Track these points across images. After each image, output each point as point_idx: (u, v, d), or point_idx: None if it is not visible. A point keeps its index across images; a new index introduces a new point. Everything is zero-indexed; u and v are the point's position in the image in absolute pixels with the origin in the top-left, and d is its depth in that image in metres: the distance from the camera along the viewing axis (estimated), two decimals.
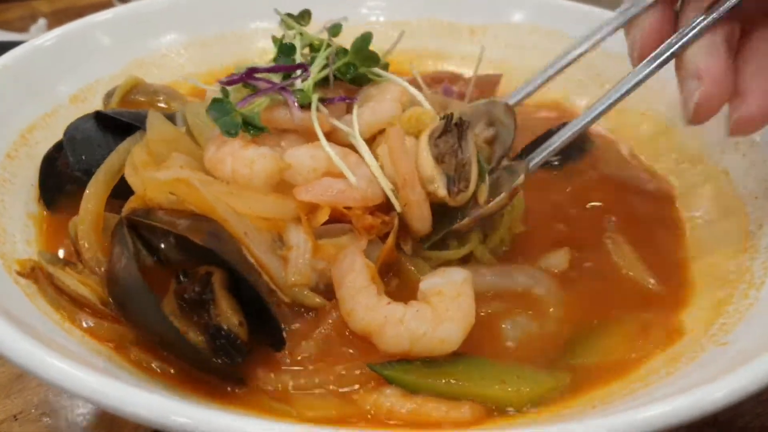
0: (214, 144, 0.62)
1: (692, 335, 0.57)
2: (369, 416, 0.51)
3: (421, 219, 0.60)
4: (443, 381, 0.53)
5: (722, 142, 0.77)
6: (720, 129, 0.76)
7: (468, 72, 0.92)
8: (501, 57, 0.96)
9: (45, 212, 0.68)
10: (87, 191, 0.63)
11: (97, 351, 0.53)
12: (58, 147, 0.70)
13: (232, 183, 0.60)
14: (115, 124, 0.70)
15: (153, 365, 0.53)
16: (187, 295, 0.53)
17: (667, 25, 0.62)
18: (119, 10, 0.88)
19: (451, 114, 0.63)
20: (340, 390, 0.53)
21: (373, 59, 0.69)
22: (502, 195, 0.62)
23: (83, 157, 0.68)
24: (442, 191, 0.60)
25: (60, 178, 0.69)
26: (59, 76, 0.79)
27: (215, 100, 0.62)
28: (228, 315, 0.53)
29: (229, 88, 0.66)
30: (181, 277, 0.55)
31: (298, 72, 0.65)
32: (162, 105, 0.82)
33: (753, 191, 0.70)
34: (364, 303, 0.55)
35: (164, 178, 0.58)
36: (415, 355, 0.54)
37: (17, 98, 0.73)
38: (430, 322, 0.54)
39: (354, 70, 0.68)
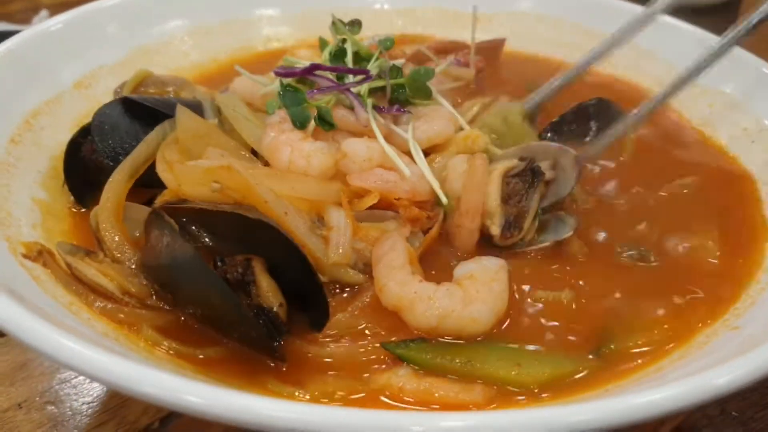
0: (273, 130, 0.65)
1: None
2: (380, 396, 0.51)
3: (466, 245, 0.63)
4: (457, 361, 0.53)
5: (730, 126, 0.76)
6: None
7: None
8: (509, 44, 0.95)
9: (72, 207, 0.68)
10: (110, 180, 0.63)
11: (105, 333, 0.52)
12: (84, 133, 0.69)
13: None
14: (142, 111, 0.69)
15: (164, 344, 0.53)
16: (229, 275, 0.54)
17: None
18: None
19: (533, 160, 0.64)
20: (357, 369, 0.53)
21: (426, 94, 0.73)
22: (545, 244, 0.63)
23: (110, 143, 0.67)
24: (496, 230, 0.62)
25: (86, 168, 0.68)
26: (63, 61, 0.78)
27: (288, 88, 0.65)
28: (269, 296, 0.54)
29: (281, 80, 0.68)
30: (219, 263, 0.55)
31: (356, 77, 0.69)
32: (178, 96, 0.81)
33: (764, 178, 0.70)
34: (399, 278, 0.55)
35: (208, 165, 0.59)
36: (441, 333, 0.55)
37: (21, 83, 0.72)
38: (460, 302, 0.55)
39: (404, 94, 0.72)
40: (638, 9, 0.90)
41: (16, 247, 0.57)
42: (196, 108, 0.70)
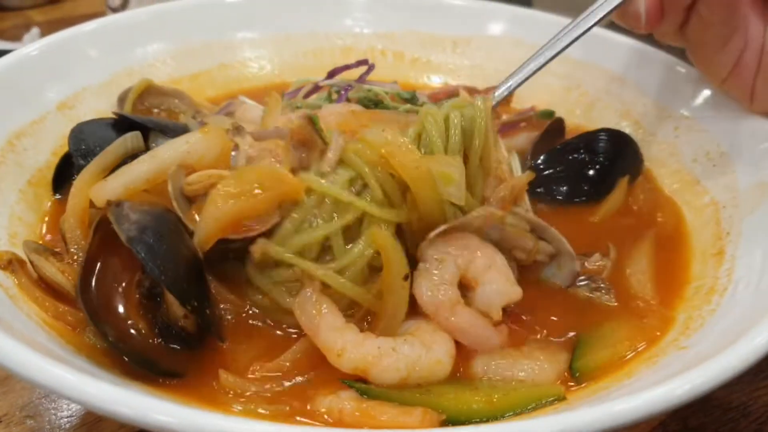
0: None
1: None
2: (322, 417, 0.52)
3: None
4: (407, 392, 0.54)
5: (694, 150, 0.79)
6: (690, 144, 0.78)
7: (479, 85, 0.94)
8: (494, 68, 0.97)
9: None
10: (74, 187, 0.65)
11: (78, 348, 0.54)
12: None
13: None
14: (123, 124, 0.73)
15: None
16: (139, 290, 0.56)
17: None
18: (107, 19, 0.90)
19: None
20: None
21: None
22: None
23: (83, 147, 0.71)
24: None
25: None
26: (48, 83, 0.80)
27: None
28: (174, 308, 0.55)
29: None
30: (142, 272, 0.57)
31: None
32: (177, 109, 0.85)
33: (722, 201, 0.72)
34: (352, 339, 0.55)
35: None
36: (410, 383, 0.55)
37: (6, 105, 0.75)
38: (421, 347, 0.55)
39: None
40: (614, 36, 0.93)
41: None
42: (185, 131, 0.72)
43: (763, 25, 0.66)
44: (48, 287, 0.60)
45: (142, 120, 0.73)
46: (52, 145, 0.77)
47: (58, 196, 0.73)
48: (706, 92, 0.82)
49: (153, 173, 0.63)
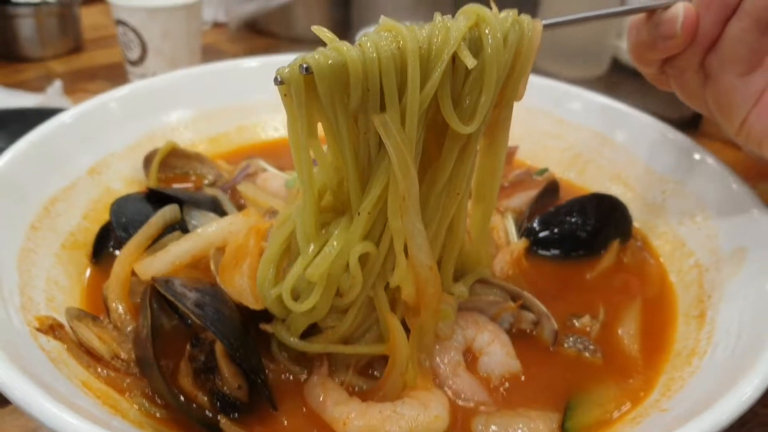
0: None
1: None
2: None
3: None
4: None
5: (680, 214, 0.84)
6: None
7: None
8: None
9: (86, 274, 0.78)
10: (118, 258, 0.73)
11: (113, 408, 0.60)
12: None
13: None
14: (160, 196, 0.82)
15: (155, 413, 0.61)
16: (194, 363, 0.61)
17: None
18: (132, 87, 0.96)
19: None
20: None
21: None
22: None
23: (123, 220, 0.79)
24: None
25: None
26: (79, 149, 0.86)
27: None
28: (229, 380, 0.61)
29: None
30: (194, 342, 0.64)
31: None
32: (198, 171, 0.94)
33: (706, 264, 0.77)
34: (356, 408, 0.60)
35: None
36: None
37: (42, 172, 0.81)
38: (419, 406, 0.60)
39: None
40: (609, 102, 0.99)
41: (36, 331, 0.64)
42: (213, 202, 0.81)
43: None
44: (86, 351, 0.65)
45: (176, 194, 0.80)
46: (84, 209, 0.83)
47: (94, 261, 0.79)
48: (694, 158, 0.87)
49: (197, 252, 0.70)
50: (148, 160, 0.92)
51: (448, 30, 0.55)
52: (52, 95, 1.34)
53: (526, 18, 0.60)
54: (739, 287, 0.71)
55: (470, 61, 0.55)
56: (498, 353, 0.67)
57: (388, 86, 0.54)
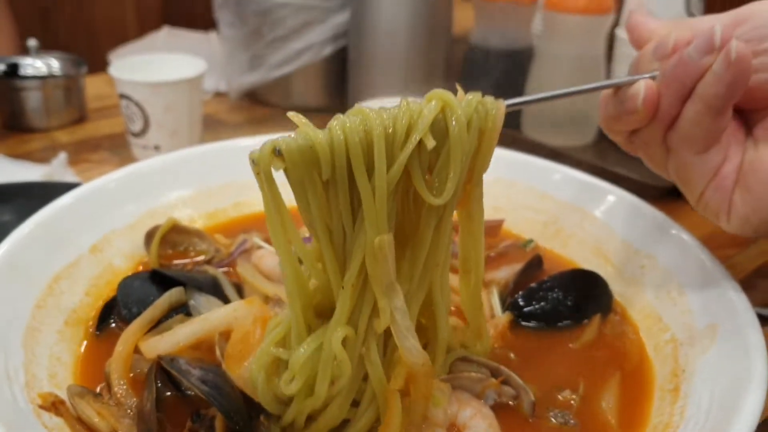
0: None
1: None
2: None
3: None
4: None
5: (656, 289, 0.88)
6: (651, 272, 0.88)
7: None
8: (491, 205, 1.07)
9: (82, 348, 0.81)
10: (123, 336, 0.77)
11: None
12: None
13: None
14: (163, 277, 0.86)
15: None
16: None
17: None
18: (133, 167, 1.01)
19: None
20: None
21: None
22: None
23: (129, 299, 0.84)
24: None
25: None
26: (81, 228, 0.91)
27: None
28: None
29: None
30: (194, 418, 0.67)
31: None
32: (197, 248, 0.98)
33: (681, 338, 0.81)
34: None
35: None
36: None
37: (46, 251, 0.85)
38: None
39: None
40: (590, 179, 1.04)
41: (39, 409, 0.67)
42: (213, 284, 0.85)
43: (741, 144, 0.73)
44: (86, 427, 0.69)
45: (180, 276, 0.85)
46: (86, 286, 0.87)
47: (97, 333, 0.83)
48: (670, 233, 0.91)
49: (202, 335, 0.75)
50: (149, 237, 0.96)
51: (415, 115, 0.61)
52: (56, 167, 1.39)
53: (489, 100, 0.66)
54: (710, 363, 0.74)
55: (431, 143, 0.60)
56: (481, 426, 0.70)
57: (356, 166, 0.59)
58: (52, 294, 0.82)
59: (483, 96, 0.66)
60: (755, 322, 0.74)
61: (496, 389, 0.74)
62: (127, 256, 0.93)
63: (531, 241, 1.04)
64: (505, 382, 0.75)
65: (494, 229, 1.06)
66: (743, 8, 0.73)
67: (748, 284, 1.13)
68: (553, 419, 0.73)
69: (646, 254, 0.92)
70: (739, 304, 0.77)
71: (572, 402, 0.76)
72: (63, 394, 0.72)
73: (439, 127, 0.62)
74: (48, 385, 0.72)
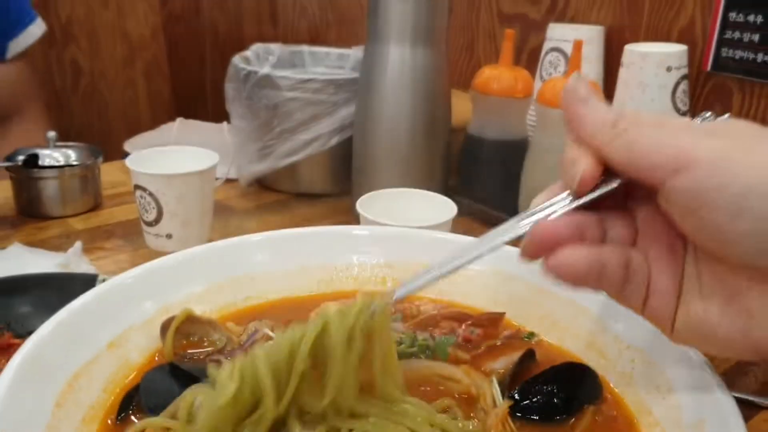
0: None
1: None
2: None
3: None
4: None
5: (647, 383, 0.92)
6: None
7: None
8: (477, 294, 1.14)
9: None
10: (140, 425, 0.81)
11: None
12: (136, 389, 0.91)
13: None
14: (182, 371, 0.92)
15: None
16: None
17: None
18: (148, 266, 1.06)
19: None
20: None
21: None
22: None
23: (151, 392, 0.89)
24: None
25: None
26: (100, 326, 0.95)
27: None
28: None
29: None
30: None
31: None
32: (210, 337, 1.02)
33: (656, 419, 0.85)
34: None
35: None
36: None
37: (67, 349, 0.89)
38: None
39: None
40: None
41: None
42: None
43: (670, 272, 0.73)
44: None
45: (194, 371, 0.90)
46: (103, 382, 0.91)
47: (118, 421, 0.88)
48: (657, 330, 0.96)
49: None
50: (164, 328, 1.00)
51: (294, 347, 0.72)
52: (72, 256, 1.45)
53: (375, 300, 0.75)
54: None
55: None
56: None
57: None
58: (71, 391, 0.86)
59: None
60: (740, 422, 0.78)
61: None
62: (143, 350, 0.97)
63: (533, 333, 1.08)
64: None
65: (496, 321, 1.11)
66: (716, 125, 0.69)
67: (738, 371, 1.18)
68: None
69: (635, 348, 0.97)
70: (724, 402, 0.81)
71: None
72: None
73: (322, 349, 0.73)
74: None
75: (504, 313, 1.11)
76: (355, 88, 1.69)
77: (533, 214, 0.75)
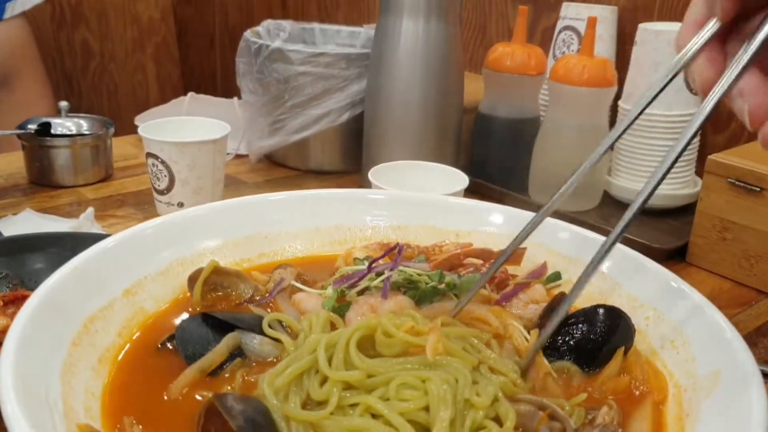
0: None
1: None
2: None
3: None
4: None
5: (661, 338, 0.92)
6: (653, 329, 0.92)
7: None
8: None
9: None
10: (180, 377, 0.83)
11: None
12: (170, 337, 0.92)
13: None
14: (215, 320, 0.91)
15: None
16: None
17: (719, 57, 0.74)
18: (166, 218, 1.07)
19: None
20: None
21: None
22: None
23: (189, 349, 0.88)
24: None
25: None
26: (116, 274, 0.96)
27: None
28: None
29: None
30: None
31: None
32: (237, 288, 1.02)
33: (684, 385, 0.85)
34: None
35: None
36: None
37: (83, 293, 0.90)
38: None
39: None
40: (597, 237, 1.09)
41: None
42: (260, 324, 0.90)
43: None
44: None
45: (230, 319, 0.90)
46: (118, 327, 0.91)
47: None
48: (671, 286, 0.96)
49: None
50: (192, 279, 1.01)
51: None
52: (84, 221, 1.46)
53: None
54: (712, 407, 0.78)
55: None
56: None
57: None
58: (87, 333, 0.87)
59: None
60: (756, 370, 0.78)
61: (546, 423, 0.77)
62: (158, 299, 0.98)
63: (557, 273, 1.08)
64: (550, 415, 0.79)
65: (518, 256, 1.11)
66: None
67: (749, 342, 1.17)
68: None
69: (650, 307, 0.97)
70: (740, 351, 0.81)
71: (614, 419, 0.79)
72: (98, 425, 0.75)
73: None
74: (84, 417, 0.76)
75: (525, 248, 1.10)
76: (367, 63, 1.69)
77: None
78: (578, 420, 0.79)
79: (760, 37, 0.70)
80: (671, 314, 0.94)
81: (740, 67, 0.70)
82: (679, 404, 0.83)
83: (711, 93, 0.72)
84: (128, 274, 0.98)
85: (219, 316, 0.91)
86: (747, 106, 0.69)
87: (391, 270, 0.97)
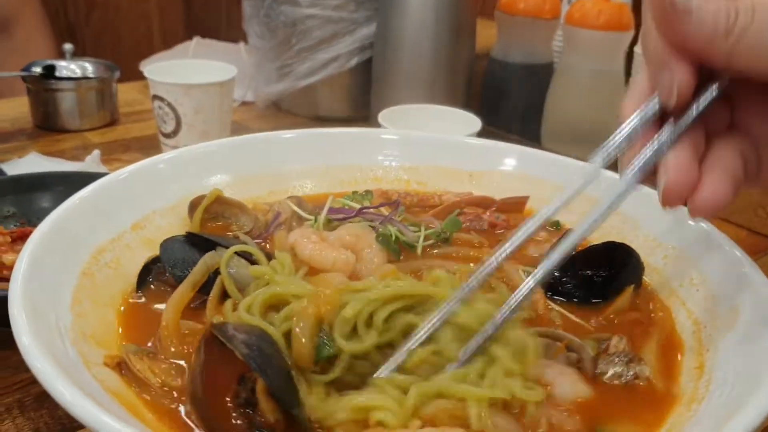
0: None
1: None
2: None
3: None
4: None
5: (680, 276, 0.91)
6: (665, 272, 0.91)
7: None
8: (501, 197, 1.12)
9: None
10: (169, 302, 0.81)
11: None
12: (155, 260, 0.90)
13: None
14: (201, 240, 0.90)
15: None
16: (238, 400, 0.68)
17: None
18: (178, 152, 1.05)
19: None
20: None
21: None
22: None
23: (172, 259, 0.88)
24: None
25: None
26: (125, 206, 0.94)
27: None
28: (267, 415, 0.66)
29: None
30: (240, 381, 0.69)
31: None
32: (238, 220, 1.02)
33: (703, 321, 0.84)
34: None
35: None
36: None
37: (92, 224, 0.88)
38: None
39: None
40: (606, 172, 1.07)
41: (88, 362, 0.70)
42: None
43: None
44: (138, 382, 0.73)
45: (213, 239, 0.89)
46: (128, 260, 0.90)
47: (139, 295, 0.88)
48: (692, 226, 0.94)
49: None
50: (193, 206, 0.99)
51: None
52: (90, 163, 1.44)
53: None
54: (732, 342, 0.77)
55: None
56: (566, 382, 0.74)
57: None
58: (96, 264, 0.85)
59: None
60: None
61: (563, 353, 0.77)
62: (166, 233, 0.96)
63: (557, 222, 1.07)
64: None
65: (520, 205, 1.10)
66: None
67: None
68: (614, 365, 0.76)
69: (669, 246, 0.95)
70: (761, 285, 0.79)
71: (624, 347, 0.79)
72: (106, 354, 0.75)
73: None
74: (95, 345, 0.75)
75: (528, 196, 1.09)
76: (377, 6, 1.66)
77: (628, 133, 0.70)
78: (592, 350, 0.78)
79: (692, 115, 0.64)
80: (690, 253, 0.92)
81: (665, 140, 0.65)
82: (698, 341, 0.82)
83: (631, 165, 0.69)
84: (137, 207, 0.96)
85: (204, 235, 0.90)
86: (663, 181, 0.64)
87: (380, 223, 0.96)
